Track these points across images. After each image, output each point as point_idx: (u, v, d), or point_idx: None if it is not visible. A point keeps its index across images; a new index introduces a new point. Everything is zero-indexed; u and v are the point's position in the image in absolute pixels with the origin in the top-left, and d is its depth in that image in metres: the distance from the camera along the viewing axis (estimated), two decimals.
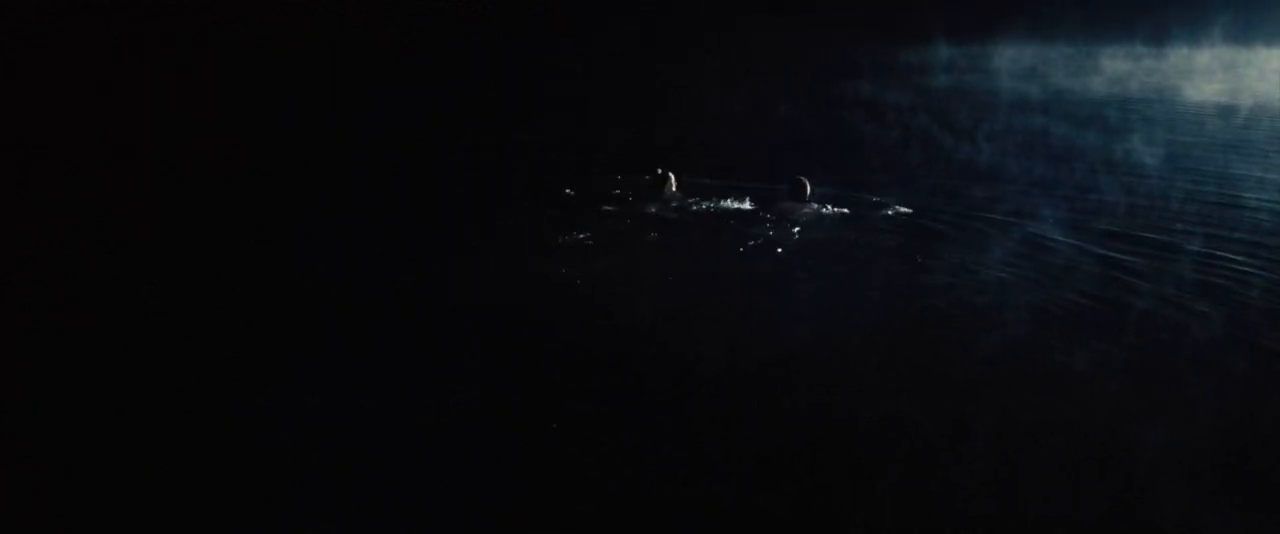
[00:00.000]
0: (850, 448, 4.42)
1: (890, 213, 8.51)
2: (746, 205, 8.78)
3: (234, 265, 7.87)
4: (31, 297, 7.07)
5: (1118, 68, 21.11)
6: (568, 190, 9.67)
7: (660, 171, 9.34)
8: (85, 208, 10.35)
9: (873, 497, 3.96)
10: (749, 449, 4.43)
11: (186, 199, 10.83)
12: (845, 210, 8.57)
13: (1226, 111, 14.59)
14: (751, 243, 7.75)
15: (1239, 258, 7.25)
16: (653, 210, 8.70)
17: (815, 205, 8.60)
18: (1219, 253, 7.39)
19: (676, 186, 9.28)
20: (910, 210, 8.55)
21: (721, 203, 8.87)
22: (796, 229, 8.11)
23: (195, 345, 5.96)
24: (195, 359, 5.72)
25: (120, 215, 10.00)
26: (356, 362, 5.60)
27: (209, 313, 6.64)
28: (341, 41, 28.81)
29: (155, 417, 4.91)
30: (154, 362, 5.70)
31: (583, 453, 4.46)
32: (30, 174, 12.52)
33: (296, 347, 5.90)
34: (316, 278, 7.42)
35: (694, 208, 8.68)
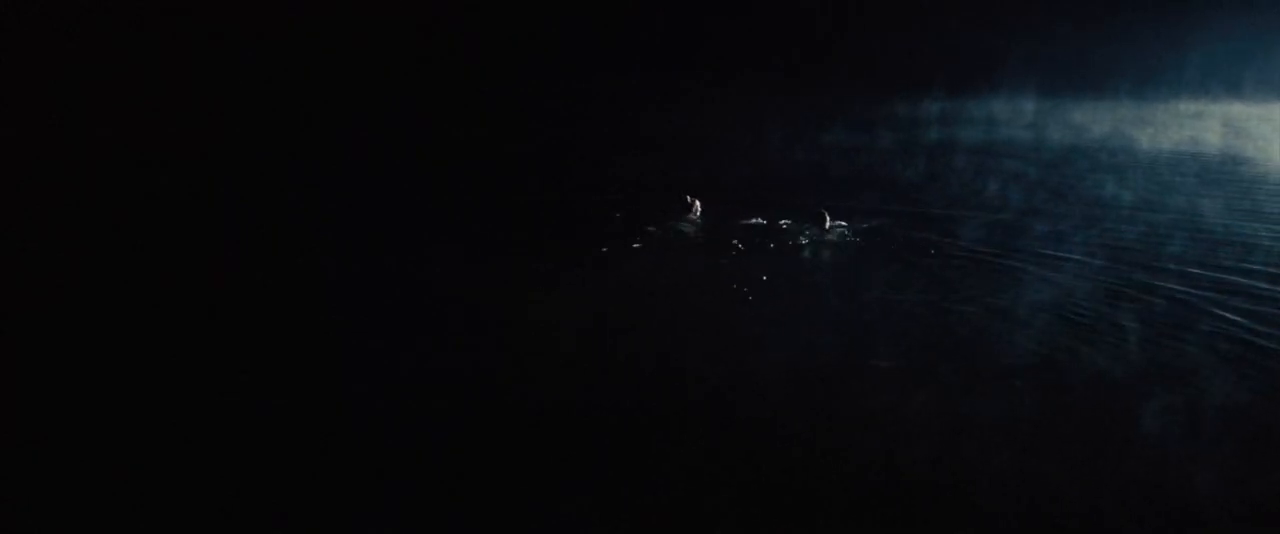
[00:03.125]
0: (857, 462, 4.35)
1: (902, 241, 8.94)
2: (769, 231, 9.24)
3: (253, 272, 7.83)
4: (22, 297, 7.01)
5: (1095, 118, 22.66)
6: (596, 212, 10.22)
7: (687, 199, 9.87)
8: (80, 208, 10.30)
9: (880, 504, 3.89)
10: (756, 458, 4.37)
11: (210, 208, 10.81)
12: (861, 238, 9.04)
13: (1194, 157, 15.99)
14: (772, 263, 8.10)
15: (1213, 275, 7.51)
16: (678, 233, 9.23)
17: (833, 232, 9.13)
18: (1196, 271, 7.68)
19: (701, 213, 9.80)
20: (920, 239, 8.98)
21: (745, 228, 9.32)
22: (816, 253, 8.54)
23: (204, 348, 5.89)
24: (202, 360, 5.65)
25: (115, 215, 9.95)
26: (372, 366, 5.52)
27: (220, 318, 6.58)
28: (383, 55, 29.07)
29: (152, 415, 4.84)
30: (149, 360, 5.64)
31: (588, 454, 4.40)
32: (30, 174, 12.48)
33: (317, 354, 5.83)
34: (343, 287, 7.40)
35: (718, 232, 9.16)
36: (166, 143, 16.16)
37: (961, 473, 4.24)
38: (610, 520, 3.86)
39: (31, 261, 7.97)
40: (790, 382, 5.32)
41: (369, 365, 5.54)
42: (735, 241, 8.83)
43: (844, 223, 9.37)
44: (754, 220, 9.52)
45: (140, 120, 18.95)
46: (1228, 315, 6.47)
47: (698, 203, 9.84)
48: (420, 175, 13.71)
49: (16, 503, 3.99)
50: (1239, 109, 25.03)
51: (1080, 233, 9.33)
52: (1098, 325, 6.28)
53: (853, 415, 4.87)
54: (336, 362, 5.64)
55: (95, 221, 9.73)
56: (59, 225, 9.49)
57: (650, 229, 9.27)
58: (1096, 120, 22.47)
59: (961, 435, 4.60)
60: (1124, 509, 3.94)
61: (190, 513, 3.91)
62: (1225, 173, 14.05)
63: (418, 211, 10.69)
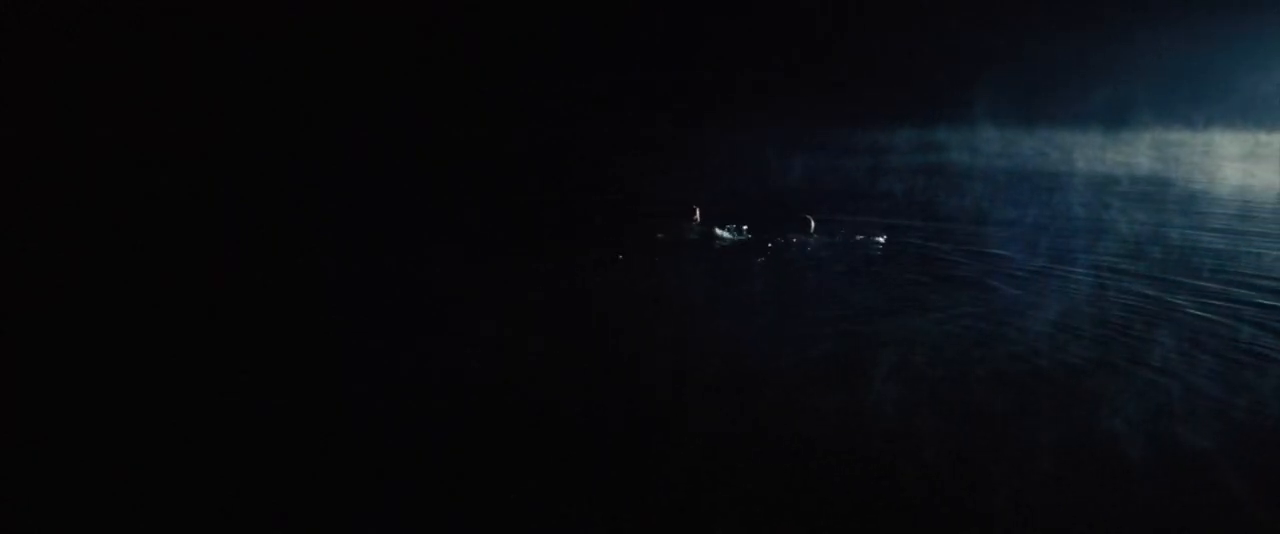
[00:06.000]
0: (854, 461, 4.34)
1: (879, 244, 9.46)
2: (761, 236, 9.85)
3: (253, 272, 7.84)
4: (22, 297, 7.01)
5: (1051, 146, 23.77)
6: (596, 213, 10.76)
7: (693, 208, 10.47)
8: (80, 208, 10.29)
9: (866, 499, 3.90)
10: (754, 458, 4.37)
11: (210, 208, 10.83)
12: (840, 241, 9.61)
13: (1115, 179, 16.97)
14: (762, 262, 8.61)
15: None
16: (676, 235, 9.89)
17: (817, 237, 9.82)
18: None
19: (700, 219, 10.38)
20: (897, 243, 9.50)
21: (739, 233, 9.94)
22: (801, 255, 8.99)
23: (204, 348, 5.89)
24: (202, 360, 5.65)
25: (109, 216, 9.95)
26: (372, 366, 5.52)
27: (220, 318, 6.57)
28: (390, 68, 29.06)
29: (152, 415, 4.84)
30: (149, 361, 5.64)
31: (587, 454, 4.41)
32: (30, 174, 12.48)
33: (317, 354, 5.83)
34: (343, 287, 7.45)
35: (716, 236, 9.79)
36: (166, 143, 16.16)
37: (956, 472, 4.24)
38: (610, 520, 3.86)
39: (31, 262, 7.97)
40: (785, 381, 5.34)
41: (369, 365, 5.54)
42: (730, 246, 9.18)
43: (827, 234, 9.92)
44: (747, 227, 10.04)
45: (140, 120, 18.94)
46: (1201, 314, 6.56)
47: (698, 210, 10.33)
48: (420, 175, 13.72)
49: (16, 503, 3.99)
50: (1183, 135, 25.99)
51: (1051, 241, 9.64)
52: (1075, 324, 6.37)
53: (847, 415, 4.87)
54: (336, 362, 5.64)
55: (95, 221, 9.73)
56: (59, 225, 9.49)
57: (649, 232, 9.49)
58: (1068, 146, 23.38)
59: (953, 435, 4.60)
60: (1113, 503, 3.95)
61: (190, 513, 3.91)
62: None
63: (418, 211, 10.70)
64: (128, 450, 4.44)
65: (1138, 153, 21.40)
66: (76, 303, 6.80)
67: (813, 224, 9.82)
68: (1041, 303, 6.97)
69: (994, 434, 4.63)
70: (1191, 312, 6.70)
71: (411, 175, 13.66)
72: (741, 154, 18.72)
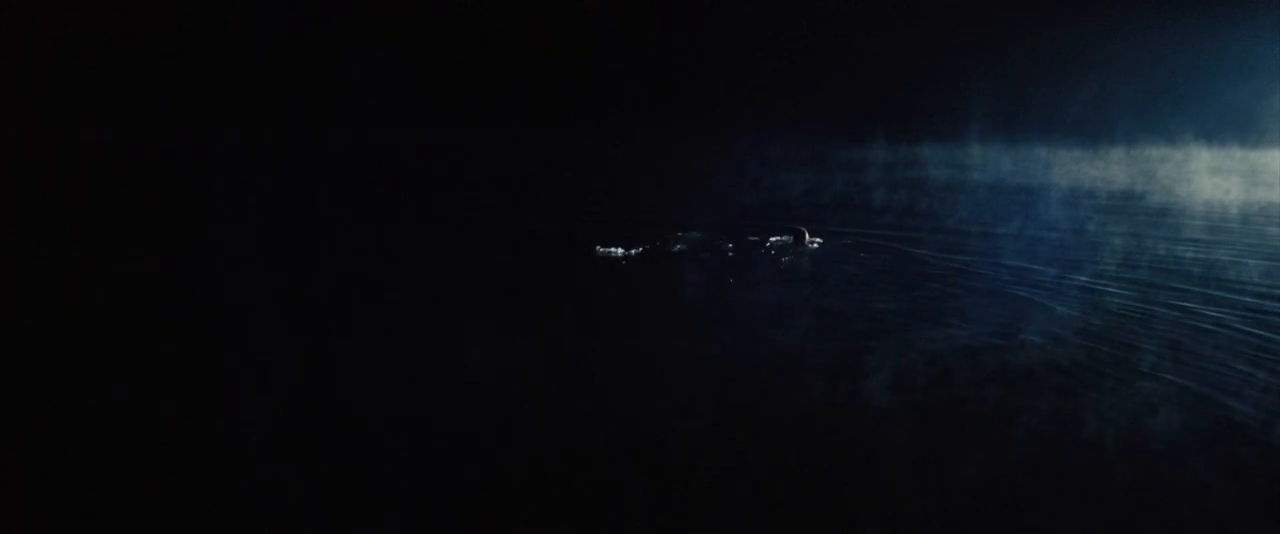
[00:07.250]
0: (845, 462, 4.41)
1: (869, 254, 9.73)
2: (755, 245, 10.16)
3: (252, 271, 7.88)
4: (21, 297, 7.05)
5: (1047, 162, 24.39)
6: (602, 229, 10.85)
7: (677, 232, 10.77)
8: (80, 207, 10.31)
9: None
10: (747, 457, 4.45)
11: (210, 209, 10.84)
12: (832, 249, 9.96)
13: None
14: (757, 271, 8.80)
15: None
16: (676, 248, 10.10)
17: (811, 246, 10.13)
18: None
19: (697, 232, 10.66)
20: (887, 252, 9.81)
21: (736, 243, 10.24)
22: (795, 264, 9.20)
23: (203, 347, 5.95)
24: (201, 360, 5.70)
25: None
26: (371, 367, 5.59)
27: (218, 318, 6.62)
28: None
29: (152, 415, 4.86)
30: (148, 360, 5.68)
31: (585, 454, 4.48)
32: (30, 174, 12.51)
33: (317, 354, 5.87)
34: (342, 287, 7.54)
35: (712, 246, 10.08)
36: (166, 143, 16.20)
37: (955, 474, 4.29)
38: (608, 521, 3.92)
39: (31, 262, 7.99)
40: (786, 383, 5.41)
41: (369, 367, 5.60)
42: (727, 252, 9.40)
43: (820, 239, 10.23)
44: (743, 237, 10.33)
45: (140, 120, 18.97)
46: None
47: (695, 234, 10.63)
48: (420, 177, 13.77)
49: (16, 503, 4.03)
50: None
51: (1031, 247, 9.92)
52: (1079, 328, 6.48)
53: (848, 417, 4.94)
54: (336, 362, 5.69)
55: (95, 221, 9.77)
56: (59, 225, 9.53)
57: (653, 246, 9.67)
58: (1048, 163, 23.87)
59: (941, 435, 4.67)
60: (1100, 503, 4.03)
61: (189, 513, 3.95)
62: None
63: (417, 214, 10.75)
64: (127, 451, 4.48)
65: (1113, 166, 21.76)
66: (75, 303, 6.84)
67: (807, 235, 10.09)
68: (1045, 310, 7.06)
69: (996, 437, 4.67)
70: (1175, 316, 6.79)
71: (411, 177, 13.71)
72: (736, 161, 18.82)
